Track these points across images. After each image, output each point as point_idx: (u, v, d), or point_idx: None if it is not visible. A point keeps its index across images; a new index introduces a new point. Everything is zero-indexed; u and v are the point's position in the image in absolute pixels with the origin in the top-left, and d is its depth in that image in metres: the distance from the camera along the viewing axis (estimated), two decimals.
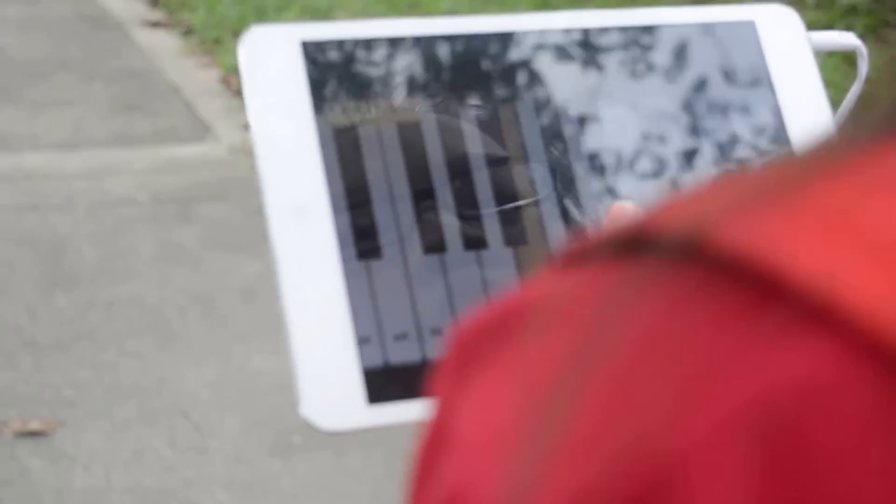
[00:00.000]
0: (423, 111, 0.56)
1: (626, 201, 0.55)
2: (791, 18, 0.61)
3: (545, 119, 0.57)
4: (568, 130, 0.57)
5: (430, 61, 0.57)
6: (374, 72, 0.56)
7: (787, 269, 0.22)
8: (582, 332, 0.25)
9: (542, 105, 0.58)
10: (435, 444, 0.28)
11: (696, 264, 0.24)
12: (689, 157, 0.58)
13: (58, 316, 3.14)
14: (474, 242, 0.55)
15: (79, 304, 3.19)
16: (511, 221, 0.56)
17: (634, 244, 0.25)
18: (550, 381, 0.25)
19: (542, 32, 0.58)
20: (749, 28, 0.61)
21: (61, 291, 3.26)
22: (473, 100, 0.57)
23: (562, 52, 0.58)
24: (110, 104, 4.75)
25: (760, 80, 0.60)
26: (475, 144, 0.56)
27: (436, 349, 0.53)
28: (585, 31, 0.59)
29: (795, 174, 0.25)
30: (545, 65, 0.58)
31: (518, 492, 0.24)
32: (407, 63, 0.56)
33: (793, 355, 0.22)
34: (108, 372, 2.89)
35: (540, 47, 0.58)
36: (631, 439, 0.23)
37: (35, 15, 5.80)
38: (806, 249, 0.23)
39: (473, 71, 0.57)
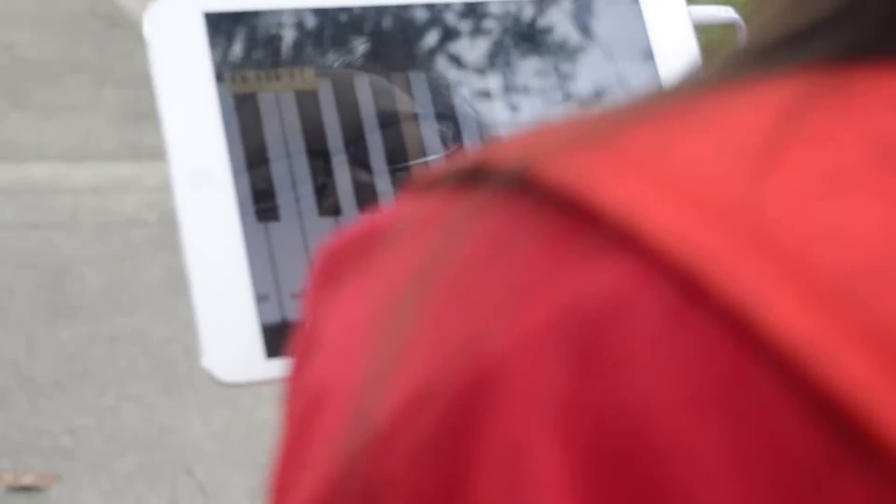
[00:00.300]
0: (320, 78, 0.59)
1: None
2: None
3: (438, 83, 0.60)
4: (457, 95, 0.60)
5: (328, 30, 0.60)
6: (273, 41, 0.59)
7: (596, 199, 0.26)
8: (425, 248, 0.29)
9: (434, 69, 0.61)
10: (304, 347, 0.31)
11: (524, 195, 0.27)
12: None
13: (58, 350, 2.98)
14: (368, 205, 0.58)
15: (80, 338, 3.03)
16: (403, 183, 0.59)
17: (473, 176, 0.29)
18: (399, 289, 0.29)
19: (433, 4, 0.61)
20: (632, 1, 0.63)
21: (62, 322, 3.10)
22: (369, 66, 0.60)
23: (451, 21, 0.61)
24: (121, 112, 4.59)
25: (642, 53, 0.63)
26: (369, 108, 0.59)
27: None
28: (470, 4, 0.61)
29: (620, 118, 0.29)
30: (438, 31, 0.61)
31: (369, 385, 0.28)
32: (305, 32, 0.59)
33: (600, 272, 0.26)
34: (109, 418, 2.73)
35: (433, 15, 0.61)
36: (461, 340, 0.26)
37: (48, 10, 5.63)
38: (613, 183, 0.26)
39: (369, 38, 0.60)
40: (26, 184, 4.01)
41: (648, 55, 0.63)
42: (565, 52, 0.62)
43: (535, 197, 0.27)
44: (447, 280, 0.27)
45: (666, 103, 0.29)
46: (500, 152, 0.28)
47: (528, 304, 0.26)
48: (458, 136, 0.60)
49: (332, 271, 0.32)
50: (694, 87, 0.29)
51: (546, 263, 0.26)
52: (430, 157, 0.59)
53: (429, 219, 0.29)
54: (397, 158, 0.59)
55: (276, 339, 0.54)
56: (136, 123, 4.45)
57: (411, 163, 0.59)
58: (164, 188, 2.45)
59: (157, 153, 4.10)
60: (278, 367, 0.54)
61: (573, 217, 0.26)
